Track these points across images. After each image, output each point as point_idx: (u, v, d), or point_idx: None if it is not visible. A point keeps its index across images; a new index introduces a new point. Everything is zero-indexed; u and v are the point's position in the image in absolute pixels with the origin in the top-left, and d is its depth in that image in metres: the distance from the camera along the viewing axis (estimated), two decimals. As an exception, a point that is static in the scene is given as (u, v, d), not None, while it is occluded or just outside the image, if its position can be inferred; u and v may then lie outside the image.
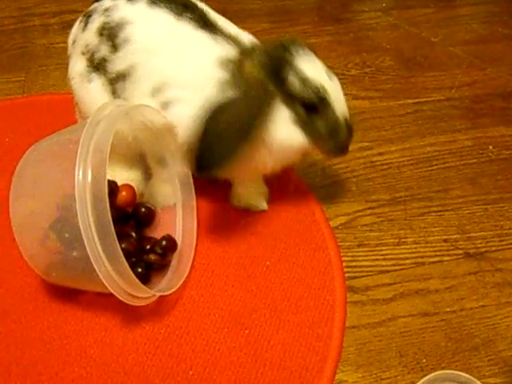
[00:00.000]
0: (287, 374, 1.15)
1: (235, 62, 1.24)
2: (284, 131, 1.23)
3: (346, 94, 1.78)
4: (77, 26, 1.40)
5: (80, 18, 1.39)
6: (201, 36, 1.27)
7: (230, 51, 1.25)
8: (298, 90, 1.21)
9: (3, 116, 1.69)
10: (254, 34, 1.87)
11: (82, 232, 1.01)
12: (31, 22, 2.08)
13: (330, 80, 1.26)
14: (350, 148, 1.61)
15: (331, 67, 1.88)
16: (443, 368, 1.17)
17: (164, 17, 1.28)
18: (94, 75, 1.33)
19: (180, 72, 1.26)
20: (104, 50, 1.31)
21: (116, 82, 1.31)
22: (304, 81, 1.21)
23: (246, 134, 1.16)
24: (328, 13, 2.17)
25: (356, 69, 1.92)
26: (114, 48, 1.29)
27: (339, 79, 1.85)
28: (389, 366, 1.18)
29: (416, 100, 1.80)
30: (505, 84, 1.85)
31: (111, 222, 1.00)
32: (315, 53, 1.28)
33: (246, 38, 1.31)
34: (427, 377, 1.11)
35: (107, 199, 1.00)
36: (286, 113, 1.22)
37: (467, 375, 1.10)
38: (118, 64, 1.29)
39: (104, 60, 1.31)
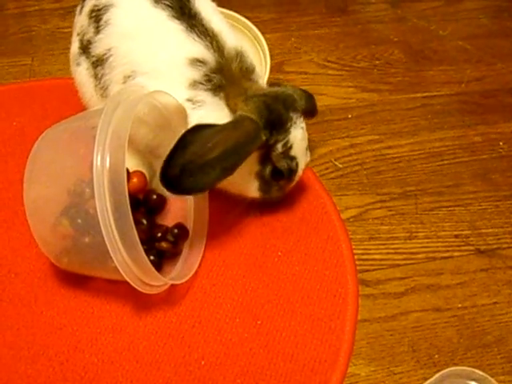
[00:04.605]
0: (300, 366, 1.15)
1: (213, 69, 1.22)
2: (245, 180, 1.26)
3: (355, 86, 1.81)
4: (78, 8, 1.39)
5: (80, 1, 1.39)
6: (173, 27, 1.23)
7: (203, 51, 1.22)
8: (278, 158, 1.26)
9: (11, 99, 1.67)
10: (261, 23, 1.87)
11: (100, 219, 1.00)
12: (36, 7, 2.06)
13: (306, 155, 1.32)
14: (360, 140, 1.63)
15: (340, 58, 1.91)
16: (455, 364, 1.17)
17: (142, 1, 1.25)
18: (82, 58, 1.33)
19: (147, 61, 1.24)
20: (90, 33, 1.30)
21: (96, 66, 1.29)
22: (287, 152, 1.26)
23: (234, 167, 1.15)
24: (335, 4, 2.15)
25: (365, 61, 1.91)
26: (97, 30, 1.28)
27: (348, 71, 1.87)
28: (401, 361, 1.17)
29: (425, 94, 1.79)
30: (514, 80, 1.85)
31: (129, 210, 0.99)
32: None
33: (230, 39, 1.27)
34: (441, 372, 1.11)
35: (126, 186, 0.99)
36: (256, 166, 1.26)
37: (481, 372, 1.10)
38: (98, 47, 1.28)
39: (89, 42, 1.30)
